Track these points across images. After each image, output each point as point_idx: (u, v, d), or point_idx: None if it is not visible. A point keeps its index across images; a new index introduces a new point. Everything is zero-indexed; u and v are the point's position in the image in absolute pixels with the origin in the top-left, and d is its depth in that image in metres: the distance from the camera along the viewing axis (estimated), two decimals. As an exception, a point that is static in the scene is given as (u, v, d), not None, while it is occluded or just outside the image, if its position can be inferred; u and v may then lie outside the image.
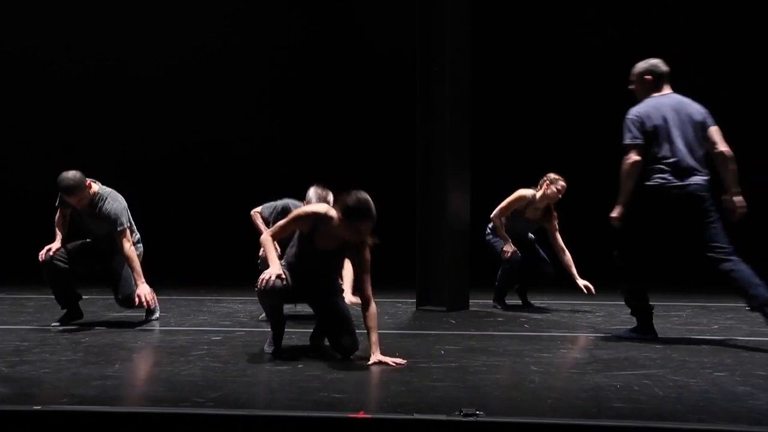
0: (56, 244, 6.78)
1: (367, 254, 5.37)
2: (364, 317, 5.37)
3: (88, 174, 6.82)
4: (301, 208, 5.61)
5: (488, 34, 10.86)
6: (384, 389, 4.60)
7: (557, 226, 8.12)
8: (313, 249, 5.49)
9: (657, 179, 5.94)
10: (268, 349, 5.71)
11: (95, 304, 8.10)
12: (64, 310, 6.91)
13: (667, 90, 6.16)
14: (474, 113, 8.36)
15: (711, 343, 6.16)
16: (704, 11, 11.54)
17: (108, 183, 6.94)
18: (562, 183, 7.99)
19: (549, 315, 7.82)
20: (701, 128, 6.02)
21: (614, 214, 6.04)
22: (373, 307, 5.36)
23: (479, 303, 8.32)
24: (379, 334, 6.45)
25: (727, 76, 11.58)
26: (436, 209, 8.06)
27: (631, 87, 6.27)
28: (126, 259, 6.75)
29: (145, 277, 6.74)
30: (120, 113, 12.18)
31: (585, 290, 7.84)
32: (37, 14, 12.07)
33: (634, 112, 6.05)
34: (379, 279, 7.60)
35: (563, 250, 8.08)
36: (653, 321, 6.32)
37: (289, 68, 12.07)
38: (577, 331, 6.87)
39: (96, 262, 6.95)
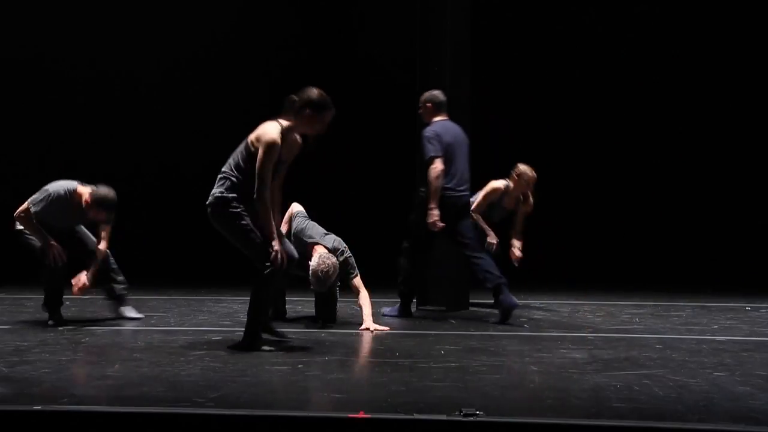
0: (57, 245, 6.75)
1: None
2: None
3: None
4: (270, 136, 5.56)
5: (488, 34, 10.85)
6: (384, 389, 4.60)
7: (531, 210, 8.12)
8: (278, 161, 5.65)
9: (451, 191, 7.23)
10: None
11: (95, 304, 8.09)
12: (52, 317, 6.92)
13: (444, 116, 7.36)
14: (474, 113, 8.36)
15: (711, 343, 6.16)
16: (704, 12, 11.54)
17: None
18: (530, 174, 7.94)
19: (549, 315, 7.82)
20: (467, 154, 7.41)
21: (434, 219, 7.15)
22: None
23: (479, 303, 8.32)
24: (379, 334, 6.51)
25: (726, 76, 11.58)
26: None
27: (420, 111, 7.48)
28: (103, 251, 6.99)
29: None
30: (120, 114, 12.18)
31: (516, 260, 7.97)
32: (36, 20, 12.05)
33: (432, 129, 7.25)
34: (380, 279, 7.64)
35: (519, 232, 8.12)
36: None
37: (289, 68, 12.07)
38: (577, 331, 6.87)
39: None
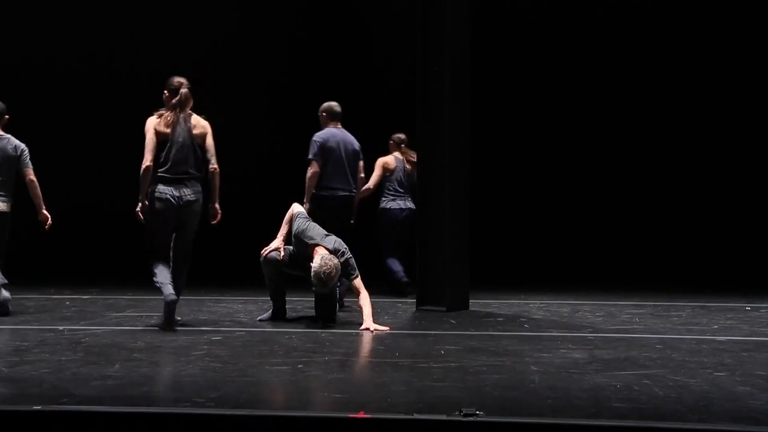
0: None
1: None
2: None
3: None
4: (206, 123, 7.02)
5: (488, 34, 10.84)
6: (384, 389, 4.60)
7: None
8: None
9: (332, 190, 7.93)
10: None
11: (95, 304, 8.10)
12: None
13: (337, 124, 8.16)
14: (474, 113, 8.36)
15: (711, 343, 6.16)
16: (705, 12, 11.53)
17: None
18: (401, 137, 9.35)
19: (549, 315, 7.82)
20: (355, 157, 8.19)
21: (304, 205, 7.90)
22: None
23: (479, 303, 8.31)
24: (379, 334, 6.52)
25: (727, 76, 11.58)
26: (437, 209, 8.05)
27: (320, 119, 8.23)
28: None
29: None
30: (120, 114, 12.16)
31: None
32: (36, 20, 12.03)
33: (320, 135, 8.03)
34: (380, 279, 7.65)
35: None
36: None
37: (289, 69, 12.06)
38: (577, 331, 6.87)
39: None
